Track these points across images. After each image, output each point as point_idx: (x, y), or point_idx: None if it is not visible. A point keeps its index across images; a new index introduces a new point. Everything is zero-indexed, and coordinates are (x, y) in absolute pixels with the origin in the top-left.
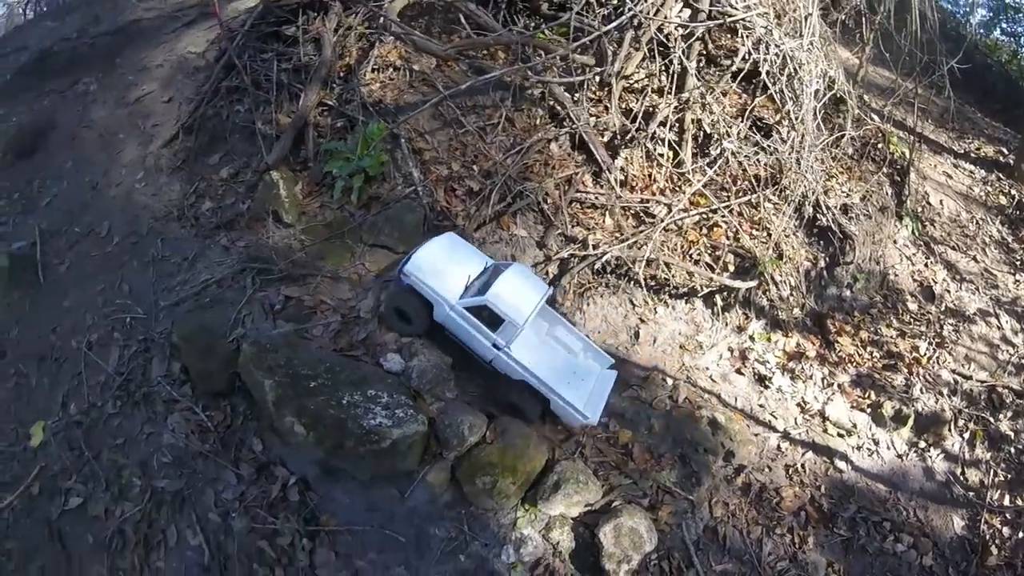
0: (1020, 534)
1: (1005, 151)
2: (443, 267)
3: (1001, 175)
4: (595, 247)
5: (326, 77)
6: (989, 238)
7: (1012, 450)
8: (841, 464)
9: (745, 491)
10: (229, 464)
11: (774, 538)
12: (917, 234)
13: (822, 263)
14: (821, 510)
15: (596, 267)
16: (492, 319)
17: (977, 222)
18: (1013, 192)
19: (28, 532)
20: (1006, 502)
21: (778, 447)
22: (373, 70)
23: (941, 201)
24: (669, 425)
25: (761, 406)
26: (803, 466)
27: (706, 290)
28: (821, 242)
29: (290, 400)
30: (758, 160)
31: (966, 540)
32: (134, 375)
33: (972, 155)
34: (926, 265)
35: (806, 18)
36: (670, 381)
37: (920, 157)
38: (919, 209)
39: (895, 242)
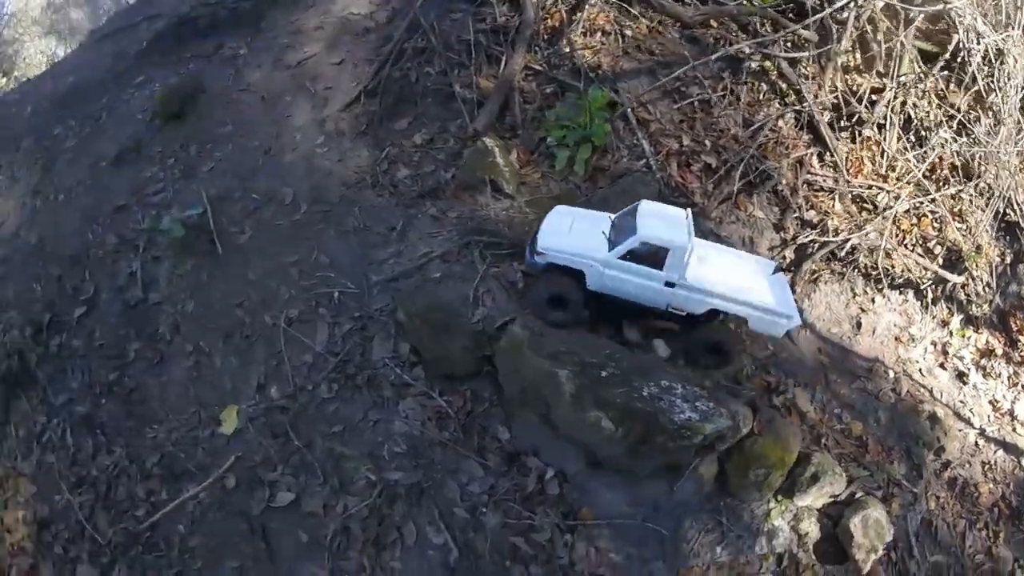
0: None
1: None
2: (576, 232)
3: None
4: (835, 233)
5: (530, 39)
6: None
7: None
8: None
9: (951, 485)
10: (473, 454)
11: (974, 532)
12: None
13: (1008, 259)
14: (1011, 506)
15: (829, 254)
16: (654, 257)
17: None
18: None
19: (220, 527)
20: None
21: (976, 444)
22: (583, 33)
23: None
24: (894, 418)
25: (961, 402)
26: (995, 463)
27: (925, 282)
28: (1007, 238)
29: (588, 391)
30: (957, 151)
31: None
32: (352, 356)
33: None
34: None
35: (1018, 8)
36: (891, 373)
37: None
38: None
39: None
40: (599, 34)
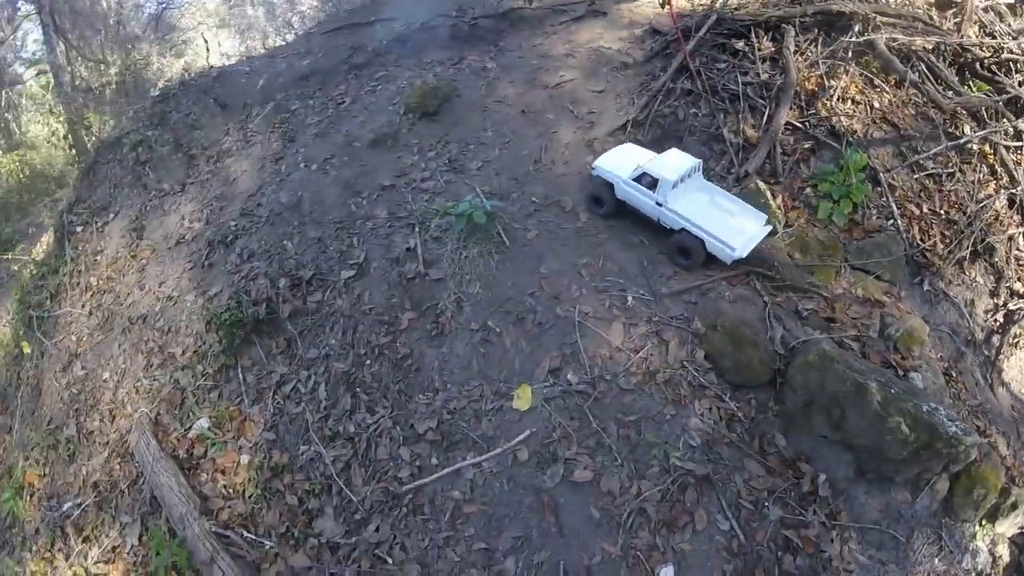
0: None
1: None
2: (619, 160)
3: None
4: None
5: (792, 98)
6: None
7: None
8: None
9: None
10: (756, 454)
11: None
12: None
13: None
14: None
15: None
16: (651, 183)
17: None
18: None
19: (504, 498)
20: None
21: None
22: (838, 99)
23: None
24: None
25: None
26: None
27: None
28: None
29: (892, 401)
30: None
31: None
32: (650, 355)
33: None
34: None
35: None
36: None
37: None
38: None
39: None
40: (850, 102)
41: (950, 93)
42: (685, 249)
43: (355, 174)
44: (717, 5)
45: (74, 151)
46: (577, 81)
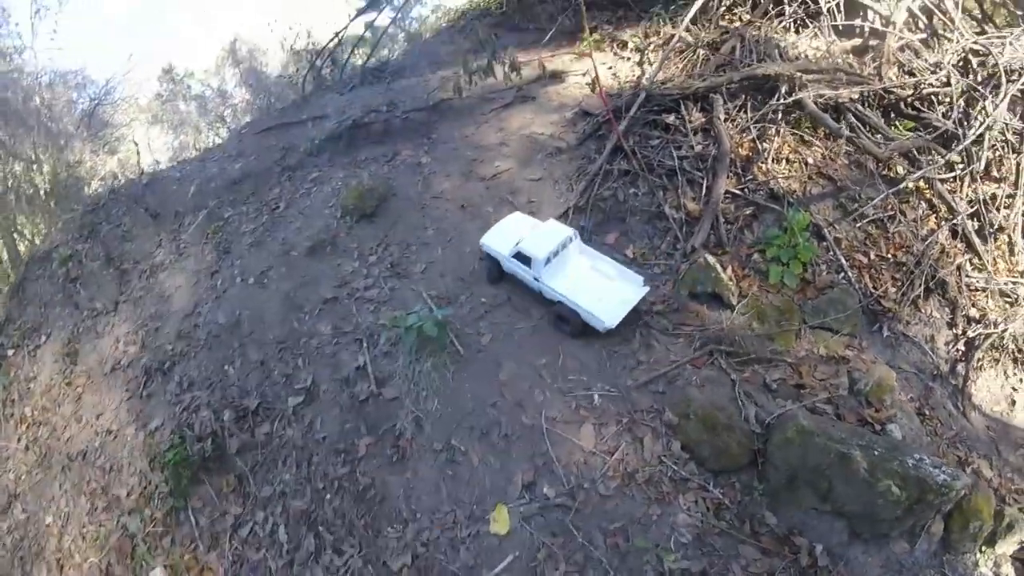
0: None
1: None
2: (504, 234)
3: None
4: (994, 325)
5: (728, 167)
6: None
7: None
8: None
9: None
10: (748, 538)
11: None
12: None
13: None
14: None
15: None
16: (526, 259)
17: None
18: None
19: None
20: None
21: None
22: (773, 161)
23: None
24: None
25: None
26: None
27: None
28: None
29: (878, 465)
30: None
31: None
32: (626, 455)
33: None
34: None
35: None
36: None
37: None
38: None
39: None
40: (784, 162)
41: (879, 138)
42: (562, 318)
43: (295, 286)
44: (644, 82)
45: (5, 261)
46: (513, 170)
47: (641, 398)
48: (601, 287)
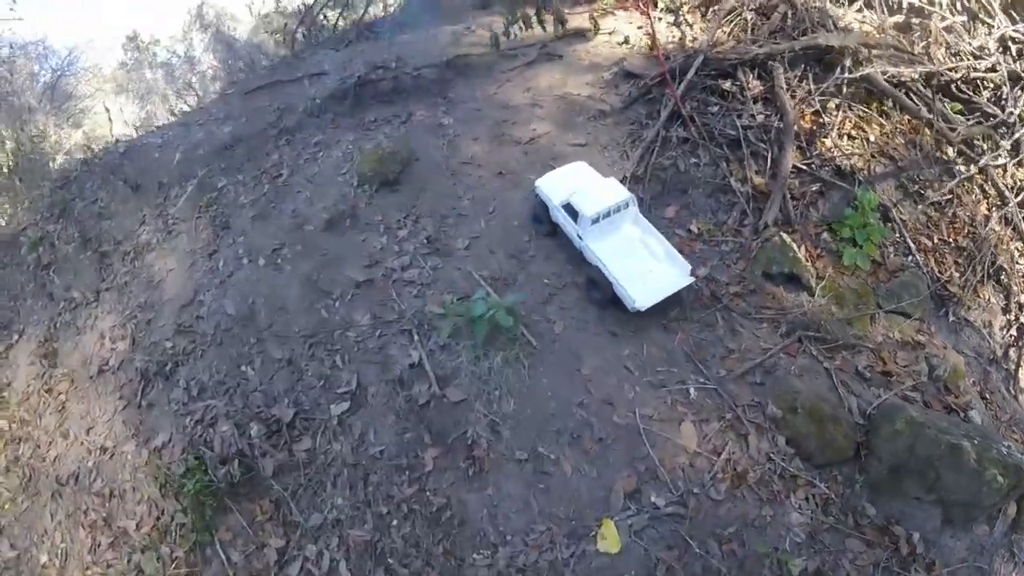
0: None
1: None
2: (561, 181)
3: None
4: None
5: (793, 139)
6: None
7: None
8: None
9: None
10: (853, 531)
11: None
12: None
13: None
14: None
15: None
16: (574, 213)
17: None
18: None
19: None
20: None
21: None
22: (838, 136)
23: None
24: None
25: None
26: None
27: None
28: None
29: (983, 455)
30: None
31: None
32: (733, 454)
33: None
34: None
35: None
36: None
37: None
38: None
39: None
40: (846, 138)
41: (942, 123)
42: (594, 283)
43: (316, 267)
44: (696, 44)
45: None
46: (553, 134)
47: (740, 390)
48: (644, 265)
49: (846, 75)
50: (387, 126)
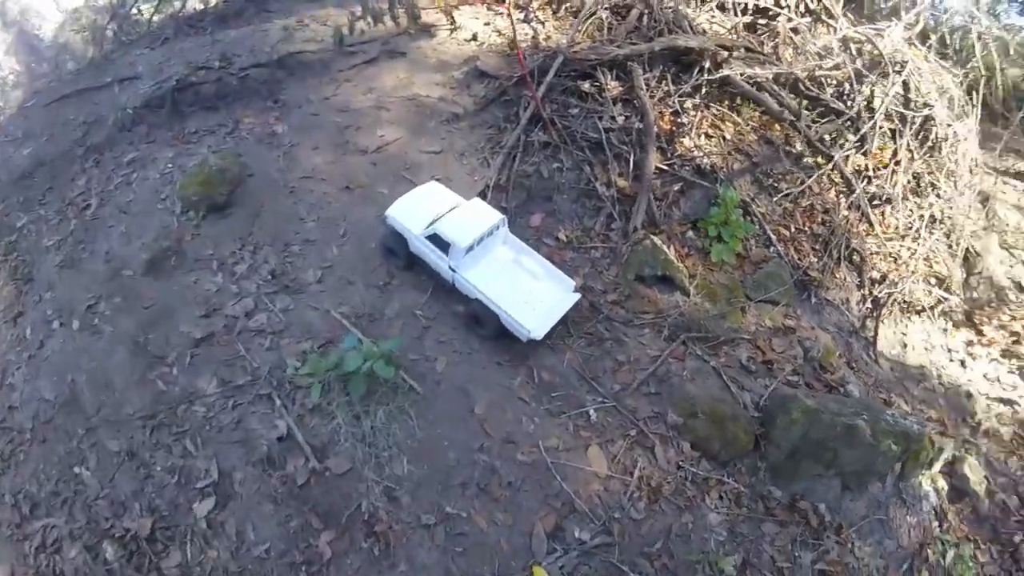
0: None
1: None
2: (416, 209)
3: None
4: (894, 284)
5: (655, 140)
6: None
7: None
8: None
9: (986, 434)
10: (767, 516)
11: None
12: (1001, 244)
13: (965, 277)
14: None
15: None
16: (444, 244)
17: None
18: None
19: None
20: None
21: (987, 404)
22: (698, 135)
23: (1005, 215)
24: (948, 400)
25: (969, 380)
26: (1002, 414)
27: (930, 304)
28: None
29: (877, 429)
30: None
31: None
32: (644, 470)
33: (1011, 171)
34: (1011, 266)
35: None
36: (933, 371)
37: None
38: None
39: (990, 250)
40: (703, 137)
41: (795, 119)
42: (478, 318)
43: (142, 323)
44: (559, 44)
45: None
46: (403, 140)
47: (637, 403)
48: (527, 288)
49: (705, 76)
50: (211, 137)
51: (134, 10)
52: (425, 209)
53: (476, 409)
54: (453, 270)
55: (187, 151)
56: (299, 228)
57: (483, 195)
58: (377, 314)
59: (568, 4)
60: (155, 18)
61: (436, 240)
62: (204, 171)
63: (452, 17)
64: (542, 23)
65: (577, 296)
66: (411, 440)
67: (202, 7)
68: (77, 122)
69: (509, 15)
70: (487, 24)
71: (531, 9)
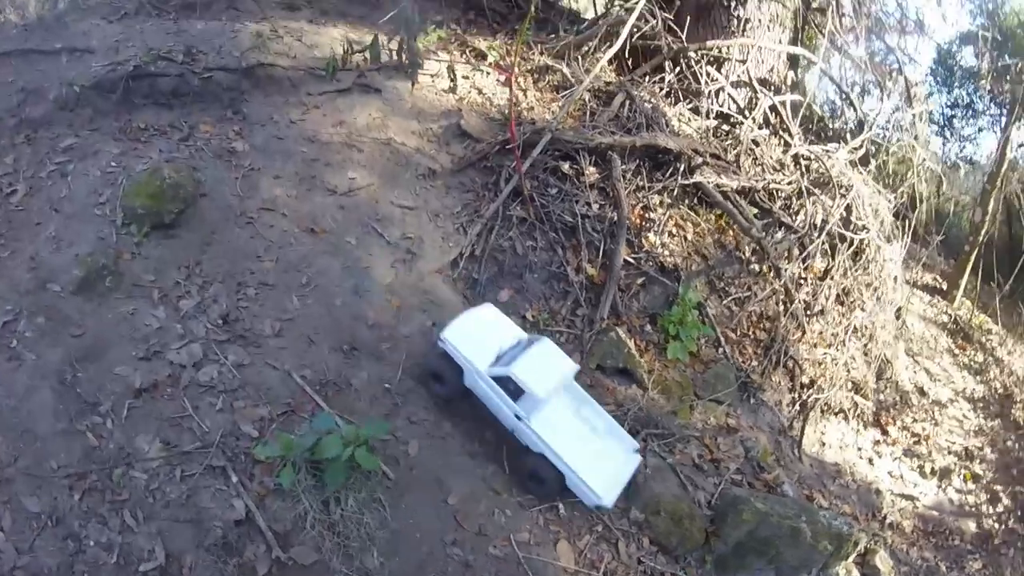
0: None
1: (939, 278)
2: (477, 336)
3: (940, 298)
4: (821, 389)
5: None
6: (943, 348)
7: (985, 480)
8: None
9: (892, 527)
10: None
11: (915, 549)
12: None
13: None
14: (924, 529)
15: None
16: (515, 390)
17: (934, 337)
18: (949, 312)
19: None
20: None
21: (891, 500)
22: (662, 232)
23: (912, 324)
24: (860, 494)
25: (876, 476)
26: (905, 508)
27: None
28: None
29: (819, 532)
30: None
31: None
32: (608, 566)
33: (918, 283)
34: (915, 372)
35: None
36: (847, 467)
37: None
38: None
39: (898, 357)
40: (666, 234)
41: (754, 231)
42: (540, 478)
43: (71, 357)
44: (550, 122)
45: None
46: (375, 187)
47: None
48: (593, 447)
49: (679, 179)
50: (163, 140)
51: None
52: (489, 340)
53: (450, 500)
54: (519, 418)
55: (135, 151)
56: (255, 267)
57: (455, 264)
58: (343, 383)
59: (550, 78)
60: None
61: (504, 382)
62: (155, 182)
63: (453, 73)
64: (523, 91)
65: (640, 459)
66: (383, 530)
67: None
68: (15, 88)
69: (510, 85)
70: (466, 78)
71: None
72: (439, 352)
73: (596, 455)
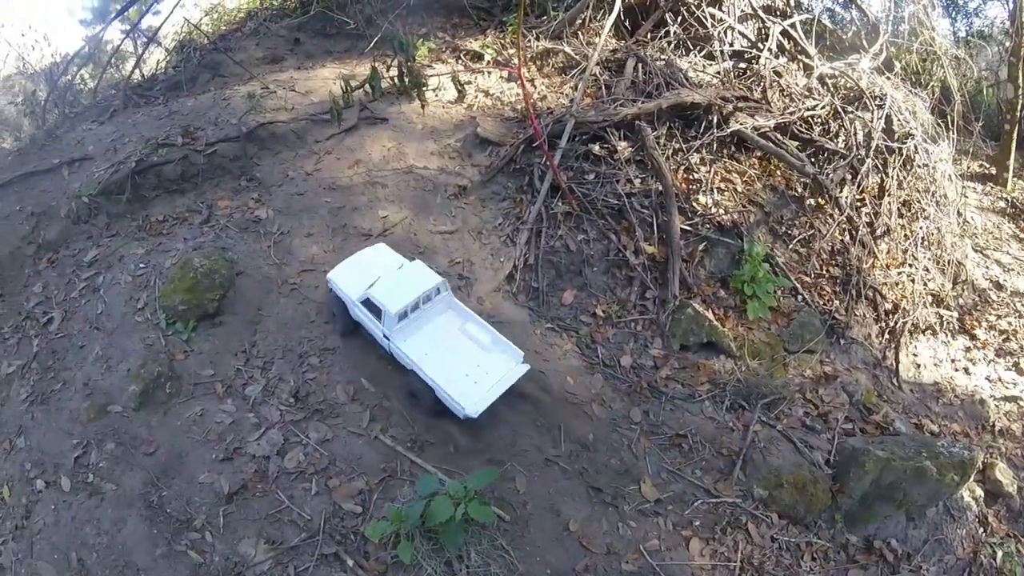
0: None
1: (986, 163)
2: (357, 272)
3: (992, 184)
4: (905, 312)
5: (675, 201)
6: (1008, 235)
7: None
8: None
9: (1001, 434)
10: (851, 564)
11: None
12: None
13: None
14: None
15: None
16: (377, 311)
17: (996, 226)
18: (1005, 196)
19: None
20: None
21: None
22: (711, 191)
23: (972, 218)
24: (964, 408)
25: (976, 385)
26: (1011, 412)
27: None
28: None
29: (943, 466)
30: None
31: None
32: (744, 551)
33: (966, 174)
34: (987, 267)
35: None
36: (947, 384)
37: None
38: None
39: (967, 256)
40: (716, 192)
41: (800, 165)
42: (414, 395)
43: (150, 477)
44: (571, 106)
45: None
46: (409, 221)
47: (723, 486)
48: (469, 360)
49: (715, 131)
50: (184, 227)
51: (76, 79)
52: (367, 272)
53: (571, 526)
54: (387, 338)
55: (159, 246)
56: (312, 334)
57: (511, 278)
58: (436, 435)
59: (553, 60)
60: (99, 85)
61: (370, 305)
62: (188, 275)
63: (460, 84)
64: (531, 81)
65: (526, 367)
66: (513, 575)
67: (151, 74)
68: (24, 214)
69: (520, 80)
70: (468, 83)
71: (513, 67)
72: (331, 294)
73: (468, 367)
